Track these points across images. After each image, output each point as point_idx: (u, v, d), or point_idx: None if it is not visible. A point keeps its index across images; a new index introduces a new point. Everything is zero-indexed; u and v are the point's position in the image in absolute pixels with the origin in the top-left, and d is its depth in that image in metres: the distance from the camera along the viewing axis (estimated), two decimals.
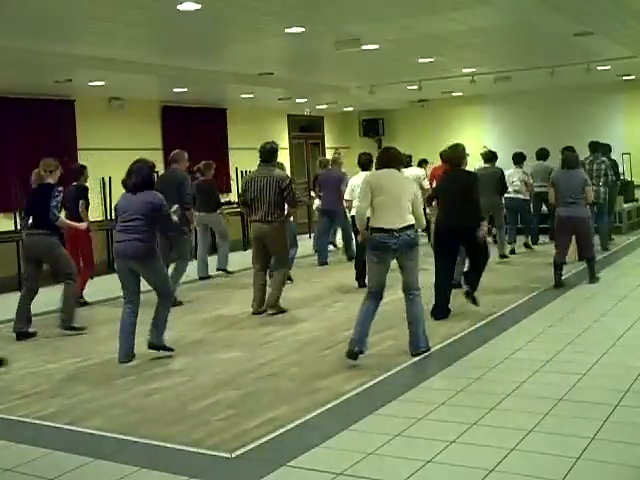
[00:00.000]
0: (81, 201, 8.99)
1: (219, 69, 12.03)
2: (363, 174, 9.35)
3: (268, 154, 8.17)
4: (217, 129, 15.81)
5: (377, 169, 6.19)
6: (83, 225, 8.54)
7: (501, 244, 11.25)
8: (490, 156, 11.21)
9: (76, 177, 9.25)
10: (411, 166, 11.80)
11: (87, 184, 9.40)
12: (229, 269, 11.19)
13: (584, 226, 8.78)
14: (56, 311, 8.00)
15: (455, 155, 7.80)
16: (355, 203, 9.12)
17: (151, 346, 6.41)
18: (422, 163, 13.55)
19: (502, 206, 11.28)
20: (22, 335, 7.50)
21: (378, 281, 5.91)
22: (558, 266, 8.81)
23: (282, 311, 8.11)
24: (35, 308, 7.86)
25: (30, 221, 7.62)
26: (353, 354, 5.80)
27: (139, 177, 6.40)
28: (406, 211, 5.87)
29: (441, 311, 7.37)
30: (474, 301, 7.53)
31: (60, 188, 7.63)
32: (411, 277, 5.98)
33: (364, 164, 9.41)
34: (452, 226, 7.32)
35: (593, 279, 8.94)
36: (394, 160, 6.11)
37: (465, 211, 7.28)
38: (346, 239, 11.82)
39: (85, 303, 9.22)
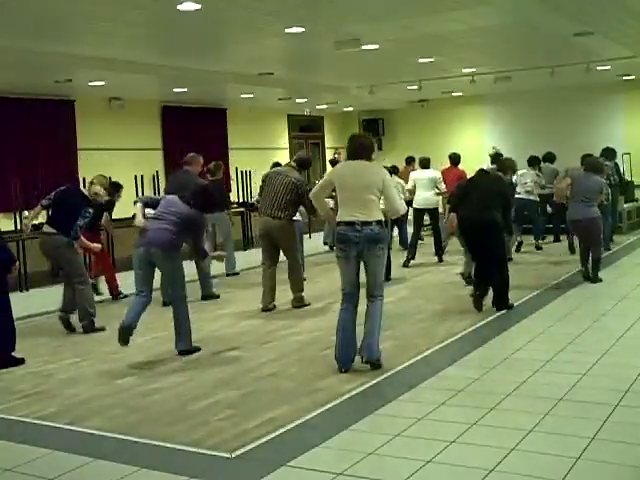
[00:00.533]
0: (105, 214, 9.28)
1: (219, 69, 12.04)
2: None
3: (304, 163, 8.55)
4: (217, 129, 15.82)
5: (347, 158, 5.92)
6: (97, 247, 8.53)
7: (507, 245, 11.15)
8: (496, 158, 11.20)
9: (110, 193, 9.26)
10: (428, 168, 11.81)
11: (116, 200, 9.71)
12: (237, 270, 11.25)
13: (595, 225, 8.88)
14: (55, 311, 8.01)
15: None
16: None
17: (180, 353, 6.47)
18: (410, 161, 13.58)
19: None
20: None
21: (349, 280, 5.68)
22: (597, 260, 8.94)
23: (306, 304, 8.40)
24: (35, 308, 7.87)
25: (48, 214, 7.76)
26: (344, 372, 5.62)
27: (198, 201, 6.50)
28: (371, 205, 5.54)
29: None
30: (479, 306, 7.58)
31: (91, 210, 7.65)
32: (373, 279, 5.64)
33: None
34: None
35: (596, 279, 8.94)
36: (363, 150, 5.72)
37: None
38: None
39: (125, 296, 9.36)
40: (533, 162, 12.29)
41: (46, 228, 7.59)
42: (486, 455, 3.91)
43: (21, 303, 9.37)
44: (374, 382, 5.37)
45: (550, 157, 12.94)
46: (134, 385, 5.65)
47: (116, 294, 9.52)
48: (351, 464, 3.89)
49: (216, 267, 9.81)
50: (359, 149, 5.73)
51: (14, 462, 4.20)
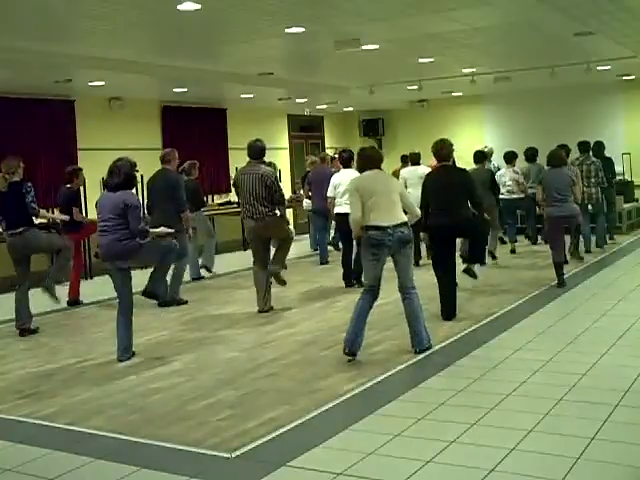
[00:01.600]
0: (75, 209, 9.03)
1: (219, 69, 12.03)
2: (345, 172, 9.45)
3: (256, 151, 8.26)
4: (217, 129, 15.82)
5: (360, 171, 6.29)
6: (65, 217, 8.65)
7: (492, 245, 10.89)
8: (479, 156, 11.15)
9: (69, 179, 9.15)
10: (419, 164, 11.80)
11: (79, 188, 9.39)
12: (213, 270, 11.20)
13: (575, 223, 8.84)
14: (54, 312, 8.01)
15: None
16: (338, 201, 9.28)
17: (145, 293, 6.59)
18: (406, 159, 13.58)
19: (495, 206, 11.00)
20: (25, 331, 7.52)
21: (374, 275, 6.00)
22: (559, 265, 8.79)
23: (283, 282, 8.33)
24: (35, 308, 7.85)
25: (4, 223, 7.64)
26: (348, 353, 5.89)
27: (121, 176, 6.39)
28: (398, 209, 5.98)
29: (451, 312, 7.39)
30: (472, 274, 7.74)
31: (29, 183, 7.74)
32: (405, 275, 6.07)
33: (346, 161, 9.58)
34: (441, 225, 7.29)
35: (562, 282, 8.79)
36: (375, 161, 6.20)
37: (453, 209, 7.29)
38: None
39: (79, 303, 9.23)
40: (510, 159, 11.95)
41: (12, 231, 7.53)
42: (486, 455, 3.91)
43: None
44: (374, 382, 5.37)
45: (533, 154, 12.24)
46: (134, 385, 5.65)
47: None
48: (351, 464, 3.89)
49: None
50: (373, 161, 6.20)
51: (14, 462, 4.21)
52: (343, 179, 9.13)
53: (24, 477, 4.02)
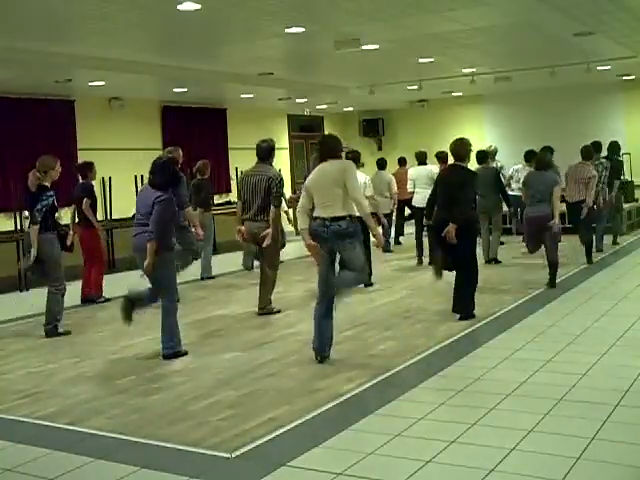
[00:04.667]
0: (85, 199, 9.00)
1: (219, 69, 12.04)
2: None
3: (264, 152, 8.03)
4: (217, 129, 15.83)
5: (319, 162, 6.04)
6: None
7: (494, 247, 10.99)
8: (482, 156, 11.13)
9: (84, 175, 9.27)
10: (425, 163, 11.81)
11: (93, 182, 9.45)
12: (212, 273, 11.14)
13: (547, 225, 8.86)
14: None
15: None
16: None
17: (165, 357, 6.34)
18: (403, 162, 13.62)
19: (501, 207, 11.10)
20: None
21: (320, 272, 5.89)
22: (552, 265, 8.80)
23: (275, 312, 8.09)
24: (35, 308, 7.86)
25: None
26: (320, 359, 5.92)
27: (164, 176, 6.35)
28: (337, 202, 5.71)
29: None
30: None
31: (50, 193, 7.39)
32: (349, 262, 5.77)
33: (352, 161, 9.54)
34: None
35: (553, 283, 8.80)
36: (330, 152, 5.94)
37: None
38: None
39: (107, 300, 9.27)
40: (529, 157, 11.74)
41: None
42: (486, 455, 3.91)
43: (21, 303, 9.41)
44: (374, 382, 5.37)
45: (529, 158, 11.90)
46: (134, 385, 5.65)
47: (98, 296, 9.31)
48: (351, 464, 3.89)
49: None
50: (328, 151, 5.94)
51: (14, 462, 4.20)
52: None
53: (24, 477, 4.02)
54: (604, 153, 11.99)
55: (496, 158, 12.88)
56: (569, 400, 4.75)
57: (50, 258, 7.41)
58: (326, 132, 19.34)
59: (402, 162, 13.93)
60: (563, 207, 10.73)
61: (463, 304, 7.29)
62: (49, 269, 7.43)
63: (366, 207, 5.78)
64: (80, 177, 9.38)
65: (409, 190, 11.66)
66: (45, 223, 7.33)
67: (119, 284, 10.02)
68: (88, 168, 9.35)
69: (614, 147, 12.33)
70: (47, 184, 7.47)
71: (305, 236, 5.88)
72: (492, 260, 10.91)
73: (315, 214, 5.84)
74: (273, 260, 8.14)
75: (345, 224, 5.72)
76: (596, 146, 11.61)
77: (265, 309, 8.08)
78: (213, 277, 10.99)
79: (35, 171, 7.45)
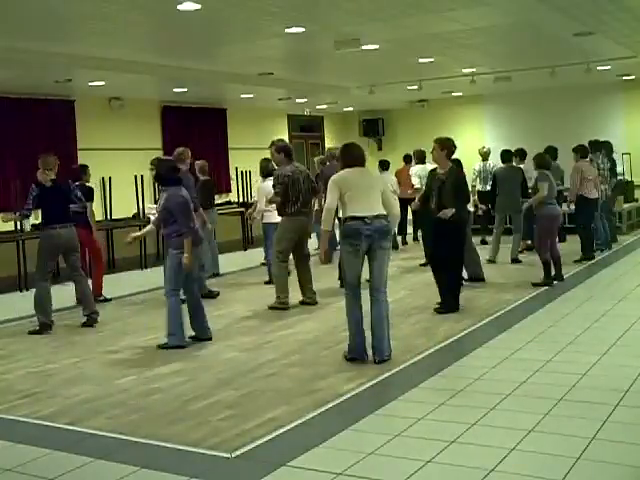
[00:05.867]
0: (88, 204, 9.05)
1: (219, 69, 12.04)
2: None
3: (292, 151, 8.58)
4: (217, 129, 15.82)
5: (343, 168, 6.07)
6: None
7: (515, 248, 10.95)
8: (507, 155, 11.08)
9: (79, 177, 9.32)
10: (424, 162, 11.81)
11: (91, 184, 9.51)
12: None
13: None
14: (55, 311, 7.99)
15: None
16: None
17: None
18: (408, 160, 13.58)
19: (520, 208, 10.73)
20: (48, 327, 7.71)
21: (356, 272, 5.84)
22: (546, 263, 8.88)
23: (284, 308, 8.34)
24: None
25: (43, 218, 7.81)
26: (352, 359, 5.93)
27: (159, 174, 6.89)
28: (377, 203, 5.85)
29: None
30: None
31: (77, 183, 8.46)
32: (379, 273, 5.86)
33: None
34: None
35: (549, 280, 8.89)
36: (359, 160, 6.05)
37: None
38: None
39: (107, 300, 9.33)
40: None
41: (63, 224, 7.75)
42: (486, 455, 3.91)
43: (21, 303, 9.40)
44: (374, 382, 5.37)
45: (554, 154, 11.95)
46: (134, 385, 5.65)
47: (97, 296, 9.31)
48: (351, 464, 3.89)
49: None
50: (356, 159, 6.05)
51: (14, 462, 4.20)
52: None
53: (24, 477, 4.02)
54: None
55: (489, 159, 12.93)
56: (569, 400, 4.75)
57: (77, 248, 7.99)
58: (326, 132, 19.38)
59: (407, 159, 13.66)
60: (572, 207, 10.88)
61: (444, 298, 7.67)
62: (77, 259, 7.98)
63: (398, 210, 6.14)
64: (75, 179, 9.29)
65: (415, 186, 11.72)
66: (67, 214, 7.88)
67: (119, 284, 10.07)
68: (82, 171, 9.47)
69: (607, 148, 12.29)
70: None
71: (326, 240, 6.01)
72: (513, 260, 10.86)
73: (348, 214, 5.82)
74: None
75: (386, 221, 5.88)
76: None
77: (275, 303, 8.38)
78: (220, 274, 11.01)
79: (44, 170, 7.93)
